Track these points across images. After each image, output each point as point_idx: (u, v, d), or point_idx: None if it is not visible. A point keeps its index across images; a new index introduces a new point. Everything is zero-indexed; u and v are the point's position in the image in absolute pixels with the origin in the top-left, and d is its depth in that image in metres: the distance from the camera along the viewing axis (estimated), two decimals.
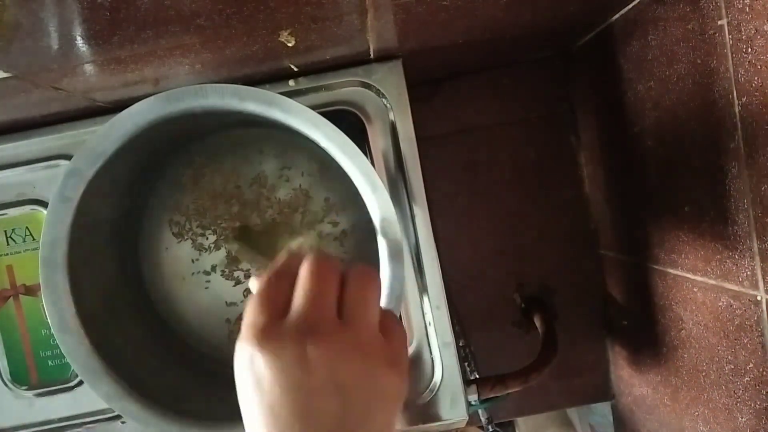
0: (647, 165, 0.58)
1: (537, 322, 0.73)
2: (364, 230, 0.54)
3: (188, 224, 0.56)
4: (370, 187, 0.43)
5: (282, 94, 0.42)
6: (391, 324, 0.32)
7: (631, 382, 0.72)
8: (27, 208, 0.54)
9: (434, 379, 0.53)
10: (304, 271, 0.31)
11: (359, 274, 0.32)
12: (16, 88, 0.42)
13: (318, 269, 0.31)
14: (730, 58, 0.41)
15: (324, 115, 0.42)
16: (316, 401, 0.28)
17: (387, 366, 0.29)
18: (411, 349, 0.53)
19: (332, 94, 0.52)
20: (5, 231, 0.54)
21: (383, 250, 0.43)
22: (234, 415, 0.46)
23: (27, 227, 0.54)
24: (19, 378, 0.55)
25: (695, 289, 0.52)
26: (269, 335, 0.28)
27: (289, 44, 0.42)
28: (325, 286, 0.30)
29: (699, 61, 0.45)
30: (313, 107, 0.42)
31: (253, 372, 0.28)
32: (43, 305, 0.44)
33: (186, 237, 0.56)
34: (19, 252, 0.54)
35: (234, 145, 0.55)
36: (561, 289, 0.78)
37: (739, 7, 0.39)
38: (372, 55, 0.51)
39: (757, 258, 0.42)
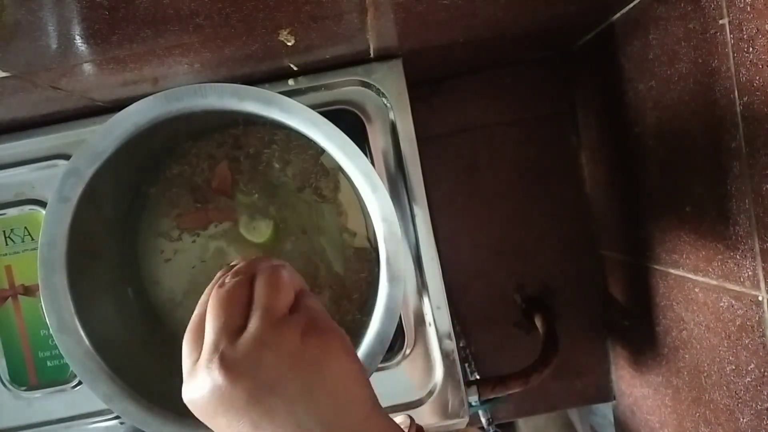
0: (648, 165, 0.58)
1: (538, 322, 0.73)
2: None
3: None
4: (370, 187, 0.42)
5: (282, 93, 0.42)
6: (300, 299, 0.33)
7: (632, 382, 0.71)
8: (26, 208, 0.54)
9: (434, 380, 0.52)
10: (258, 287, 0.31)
11: (266, 275, 0.32)
12: (15, 87, 0.42)
13: (271, 281, 0.31)
14: (731, 57, 0.41)
15: (324, 114, 0.42)
16: (301, 407, 0.28)
17: (320, 338, 0.30)
18: (411, 350, 0.53)
19: (332, 94, 0.52)
20: (4, 231, 0.54)
21: (383, 252, 0.43)
22: None
23: (26, 227, 0.54)
24: (18, 378, 0.55)
25: (696, 290, 0.52)
26: (241, 363, 0.28)
27: (289, 43, 0.42)
28: (278, 297, 0.31)
29: (700, 61, 0.45)
30: (313, 107, 0.42)
31: (249, 404, 0.28)
32: (41, 305, 0.44)
33: (186, 237, 0.56)
34: (18, 252, 0.54)
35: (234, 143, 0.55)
36: (562, 290, 0.78)
37: (741, 6, 0.39)
38: (372, 55, 0.51)
39: (759, 258, 0.42)
